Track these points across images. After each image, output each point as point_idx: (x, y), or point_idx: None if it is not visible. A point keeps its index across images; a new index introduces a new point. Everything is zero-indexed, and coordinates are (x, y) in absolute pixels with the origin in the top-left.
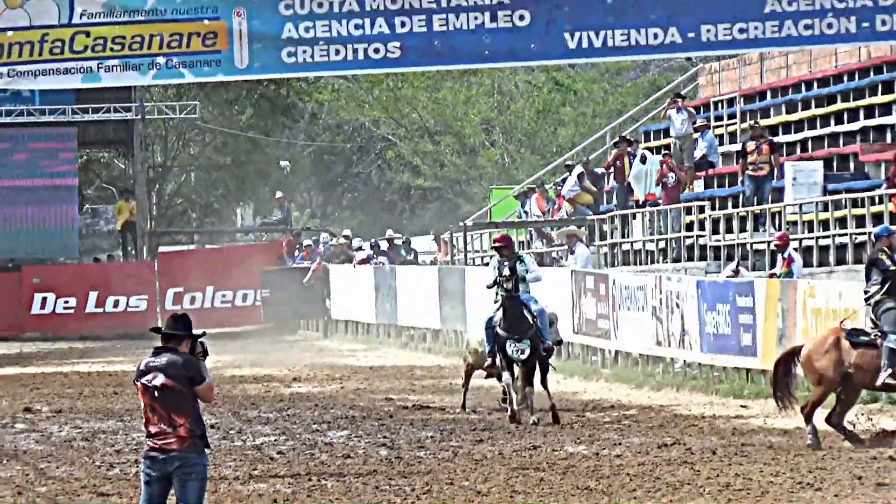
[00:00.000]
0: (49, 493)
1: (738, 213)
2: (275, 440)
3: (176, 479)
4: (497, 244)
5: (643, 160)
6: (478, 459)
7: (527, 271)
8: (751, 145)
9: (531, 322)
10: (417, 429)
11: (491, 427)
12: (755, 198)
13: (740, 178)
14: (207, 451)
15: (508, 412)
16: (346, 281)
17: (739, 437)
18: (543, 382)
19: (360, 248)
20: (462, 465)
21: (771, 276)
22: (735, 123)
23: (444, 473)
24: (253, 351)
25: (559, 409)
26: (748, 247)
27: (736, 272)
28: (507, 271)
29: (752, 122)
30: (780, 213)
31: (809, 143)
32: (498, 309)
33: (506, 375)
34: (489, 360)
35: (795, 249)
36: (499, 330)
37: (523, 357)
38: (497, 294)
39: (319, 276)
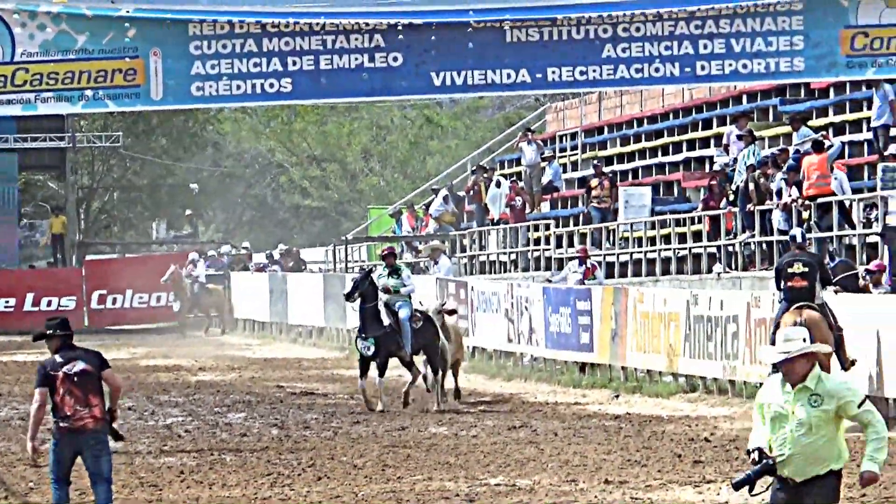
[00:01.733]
0: None
1: (578, 231)
2: (182, 420)
3: (89, 454)
4: (384, 253)
5: (497, 185)
6: (355, 438)
7: (402, 285)
8: (594, 182)
9: (385, 325)
10: (304, 412)
11: (367, 411)
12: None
13: (585, 209)
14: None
15: (363, 399)
16: (244, 285)
17: (578, 420)
18: (436, 379)
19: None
20: (341, 443)
21: (581, 282)
22: (577, 154)
23: (325, 450)
24: (165, 344)
25: (419, 397)
26: (599, 261)
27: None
28: (385, 279)
29: (595, 161)
30: (614, 230)
31: (640, 171)
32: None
33: (360, 382)
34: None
35: (600, 262)
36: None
37: (368, 353)
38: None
39: (176, 279)
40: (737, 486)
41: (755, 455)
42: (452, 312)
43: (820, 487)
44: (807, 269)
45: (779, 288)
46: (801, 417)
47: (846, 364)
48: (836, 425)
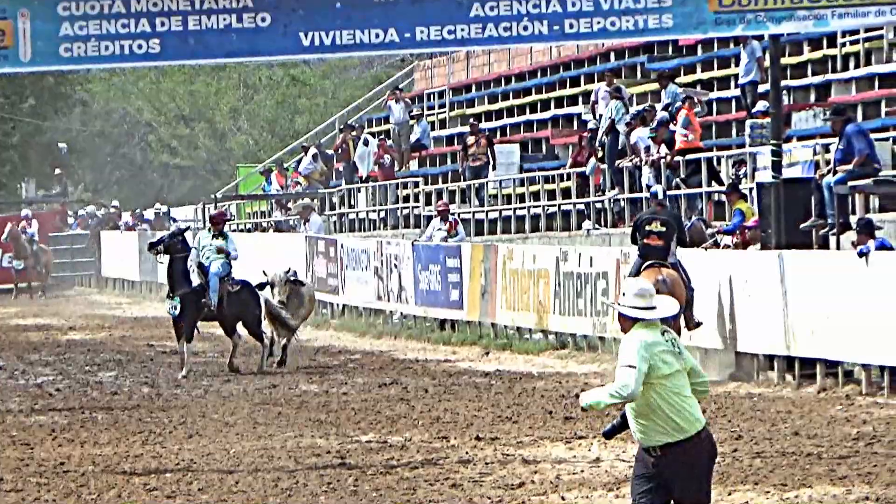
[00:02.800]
0: None
1: (447, 188)
2: (53, 379)
3: None
4: (215, 215)
5: (365, 143)
6: (226, 396)
7: (229, 253)
8: (471, 139)
9: (195, 285)
10: (174, 370)
11: (236, 369)
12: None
13: (461, 168)
14: None
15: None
16: (114, 244)
17: (448, 378)
18: (254, 335)
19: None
20: (212, 401)
21: (445, 239)
22: (445, 112)
23: (196, 408)
24: (35, 304)
25: (288, 355)
26: (457, 216)
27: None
28: (211, 241)
29: (472, 119)
30: (483, 187)
31: (508, 129)
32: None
33: (178, 347)
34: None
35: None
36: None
37: (175, 313)
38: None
39: (14, 237)
40: (607, 435)
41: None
42: (299, 283)
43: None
44: (664, 229)
45: (634, 243)
46: None
47: (690, 324)
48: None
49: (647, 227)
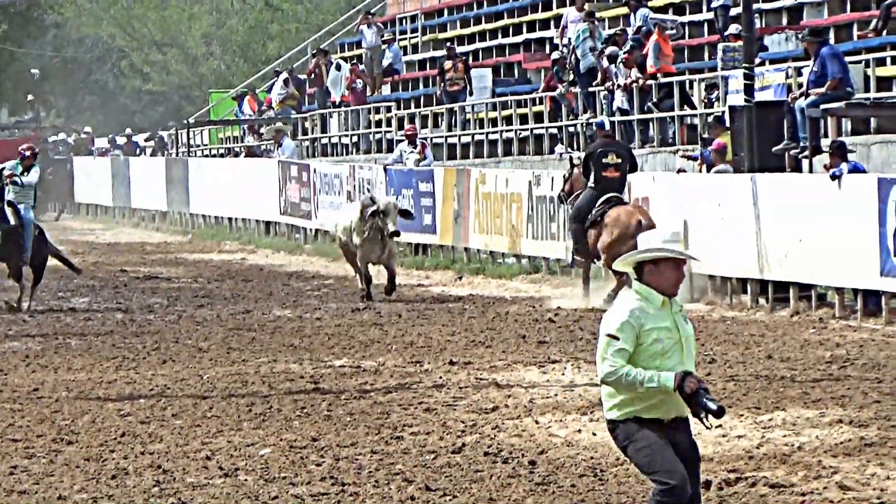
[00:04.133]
0: None
1: (420, 113)
2: (26, 305)
3: None
4: (25, 148)
5: (337, 68)
6: (199, 322)
7: (22, 185)
8: (448, 64)
9: (12, 224)
10: (147, 296)
11: (210, 294)
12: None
13: (437, 92)
14: None
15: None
16: (87, 170)
17: (421, 302)
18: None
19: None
20: (186, 326)
21: (418, 163)
22: (417, 37)
23: (170, 333)
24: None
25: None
26: (429, 140)
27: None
28: (20, 176)
29: (448, 43)
30: (460, 111)
31: (481, 53)
32: None
33: None
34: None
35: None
36: None
37: None
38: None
39: None
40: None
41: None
42: (409, 215)
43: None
44: (620, 161)
45: (586, 175)
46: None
47: None
48: None
49: (604, 161)
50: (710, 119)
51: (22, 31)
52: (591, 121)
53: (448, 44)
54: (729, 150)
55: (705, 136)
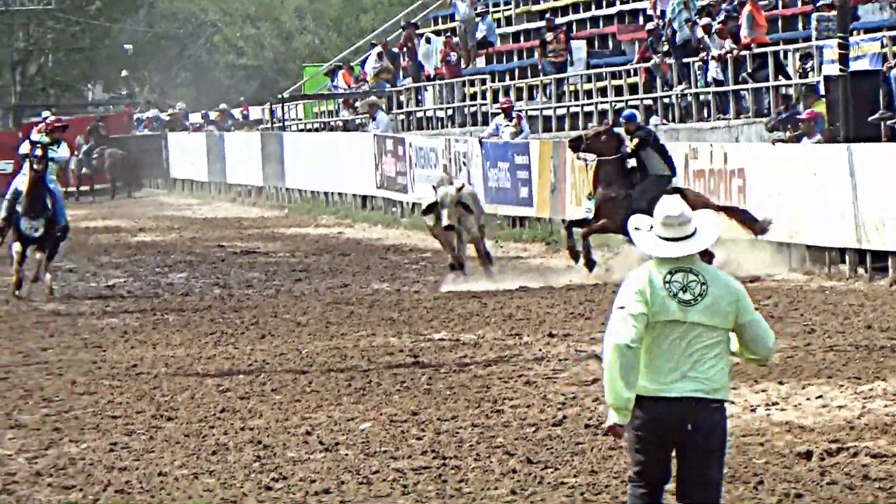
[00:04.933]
0: None
1: (514, 85)
2: (124, 281)
3: None
4: (55, 125)
5: (428, 41)
6: (297, 296)
7: (55, 161)
8: (549, 36)
9: (49, 205)
10: (245, 270)
11: (308, 269)
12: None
13: (539, 64)
14: None
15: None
16: (182, 146)
17: (520, 275)
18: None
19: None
20: (284, 300)
21: (513, 136)
22: (511, 9)
23: (268, 308)
24: (104, 206)
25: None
26: (525, 113)
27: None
28: (39, 151)
29: (548, 15)
30: (550, 84)
31: (575, 25)
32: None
33: (16, 246)
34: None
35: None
36: (18, 207)
37: (36, 234)
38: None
39: None
40: None
41: None
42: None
43: None
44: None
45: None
46: None
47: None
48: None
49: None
50: (803, 89)
51: (115, 7)
52: (622, 113)
53: (547, 15)
54: (825, 120)
55: (798, 107)
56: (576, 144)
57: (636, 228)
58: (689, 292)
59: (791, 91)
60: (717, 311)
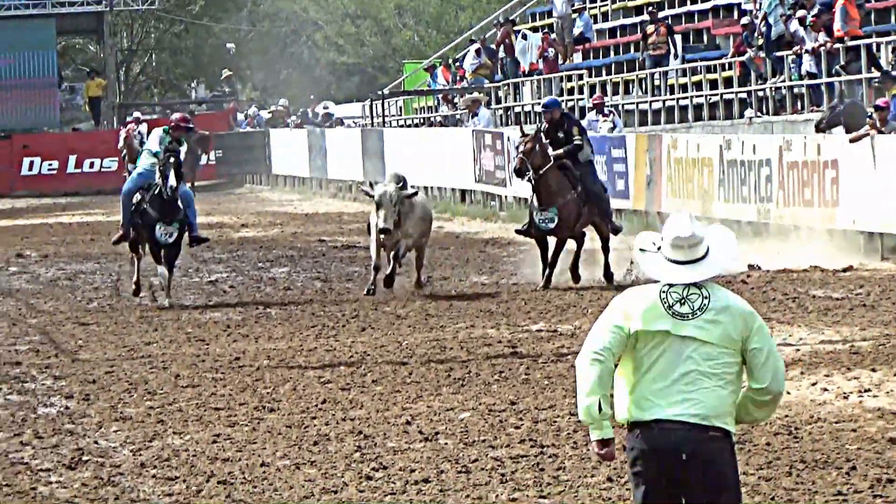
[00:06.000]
0: (39, 324)
1: (611, 80)
2: (227, 276)
3: None
4: (182, 124)
5: (524, 37)
6: (396, 289)
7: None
8: (650, 28)
9: (181, 208)
10: (346, 265)
11: (407, 264)
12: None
13: (640, 57)
14: None
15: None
16: (284, 142)
17: (617, 268)
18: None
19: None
20: (383, 294)
21: (610, 130)
22: (607, 5)
23: (368, 301)
24: (207, 202)
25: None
26: (621, 107)
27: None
28: (169, 156)
29: (651, 8)
30: (644, 79)
31: (670, 19)
32: (151, 188)
33: (160, 270)
34: (121, 232)
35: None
36: (149, 210)
37: (171, 240)
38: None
39: (129, 142)
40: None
41: None
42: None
43: None
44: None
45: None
46: None
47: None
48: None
49: None
50: (879, 75)
51: (218, 6)
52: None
53: (650, 8)
54: None
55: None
56: (521, 171)
57: (642, 249)
58: (687, 305)
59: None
60: (720, 330)
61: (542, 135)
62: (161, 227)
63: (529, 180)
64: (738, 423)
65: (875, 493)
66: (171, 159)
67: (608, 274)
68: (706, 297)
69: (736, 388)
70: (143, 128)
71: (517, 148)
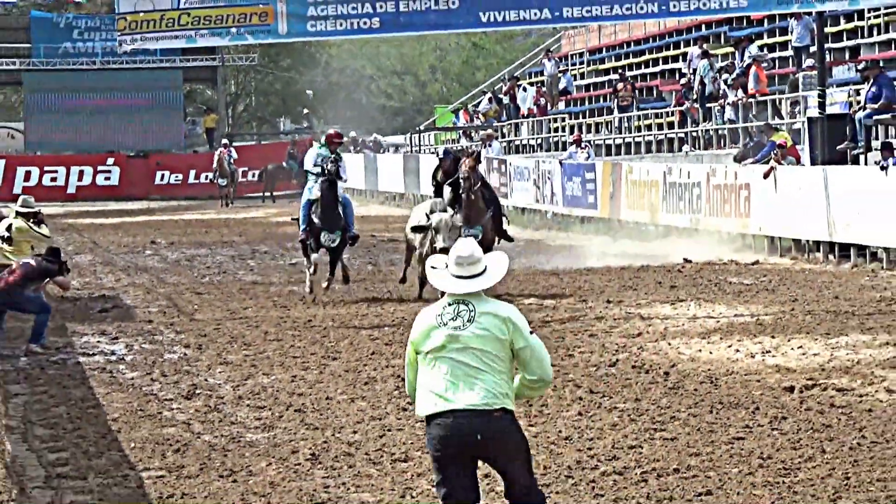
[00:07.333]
0: (165, 293)
1: (586, 122)
2: (303, 260)
3: None
4: (335, 140)
5: (524, 90)
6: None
7: (342, 169)
8: (620, 85)
9: (341, 215)
10: (390, 253)
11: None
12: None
13: (612, 105)
14: None
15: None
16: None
17: (587, 258)
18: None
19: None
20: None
21: (585, 159)
22: (584, 68)
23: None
24: (290, 206)
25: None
26: (593, 142)
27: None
28: (331, 166)
29: (622, 71)
30: (611, 121)
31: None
32: (316, 199)
33: (315, 256)
34: (302, 236)
35: (587, 143)
36: (315, 219)
37: (334, 245)
38: (317, 181)
39: (221, 162)
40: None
41: None
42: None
43: None
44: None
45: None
46: None
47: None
48: None
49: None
50: (760, 123)
51: (300, 62)
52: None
53: (619, 70)
54: (806, 149)
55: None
56: (468, 185)
57: (433, 267)
58: (459, 319)
59: (784, 128)
60: (487, 334)
61: (480, 155)
62: (325, 234)
63: (462, 194)
64: (518, 399)
65: (773, 427)
66: (338, 162)
67: None
68: (472, 311)
69: (508, 375)
70: (233, 151)
71: (459, 165)
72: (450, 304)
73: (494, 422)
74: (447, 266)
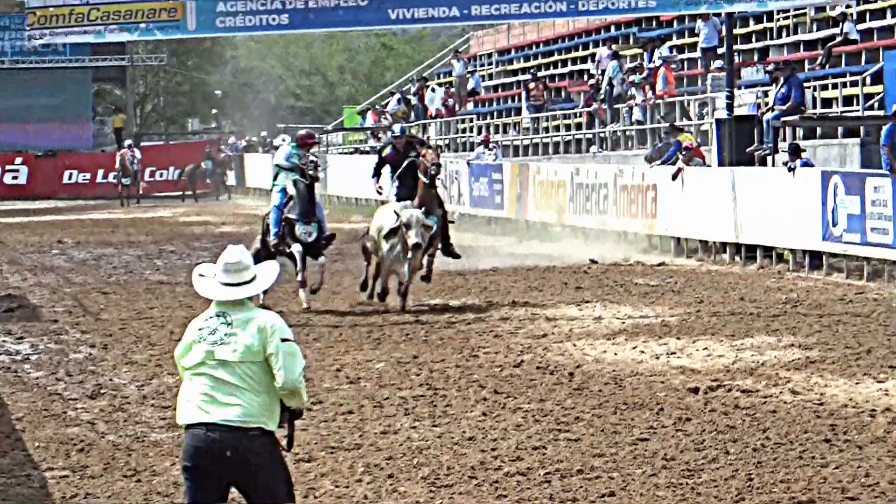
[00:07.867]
0: (72, 292)
1: (492, 123)
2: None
3: None
4: (309, 140)
5: (433, 90)
6: (332, 273)
7: (321, 171)
8: (532, 85)
9: (317, 210)
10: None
11: (342, 252)
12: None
13: (524, 106)
14: None
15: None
16: (255, 163)
17: (493, 259)
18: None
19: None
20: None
21: (492, 159)
22: (493, 68)
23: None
24: (197, 206)
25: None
26: (500, 143)
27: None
28: (312, 171)
29: (534, 71)
30: (519, 122)
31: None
32: (289, 197)
33: (296, 247)
34: (274, 240)
35: (496, 144)
36: (291, 215)
37: (310, 239)
38: (287, 181)
39: (124, 162)
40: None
41: None
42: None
43: None
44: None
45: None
46: None
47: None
48: None
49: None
50: (669, 126)
51: (208, 62)
52: (393, 126)
53: (531, 70)
54: (714, 150)
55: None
56: (433, 177)
57: (201, 275)
58: (216, 335)
59: (692, 129)
60: (243, 348)
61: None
62: (301, 226)
63: (427, 182)
64: (286, 409)
65: (677, 428)
66: (313, 160)
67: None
68: (230, 324)
69: (270, 394)
70: (136, 151)
71: (420, 152)
72: (212, 317)
73: (248, 440)
74: (215, 275)
